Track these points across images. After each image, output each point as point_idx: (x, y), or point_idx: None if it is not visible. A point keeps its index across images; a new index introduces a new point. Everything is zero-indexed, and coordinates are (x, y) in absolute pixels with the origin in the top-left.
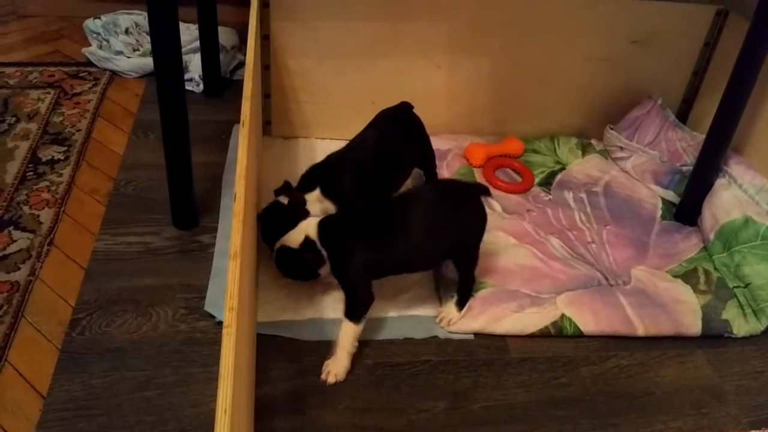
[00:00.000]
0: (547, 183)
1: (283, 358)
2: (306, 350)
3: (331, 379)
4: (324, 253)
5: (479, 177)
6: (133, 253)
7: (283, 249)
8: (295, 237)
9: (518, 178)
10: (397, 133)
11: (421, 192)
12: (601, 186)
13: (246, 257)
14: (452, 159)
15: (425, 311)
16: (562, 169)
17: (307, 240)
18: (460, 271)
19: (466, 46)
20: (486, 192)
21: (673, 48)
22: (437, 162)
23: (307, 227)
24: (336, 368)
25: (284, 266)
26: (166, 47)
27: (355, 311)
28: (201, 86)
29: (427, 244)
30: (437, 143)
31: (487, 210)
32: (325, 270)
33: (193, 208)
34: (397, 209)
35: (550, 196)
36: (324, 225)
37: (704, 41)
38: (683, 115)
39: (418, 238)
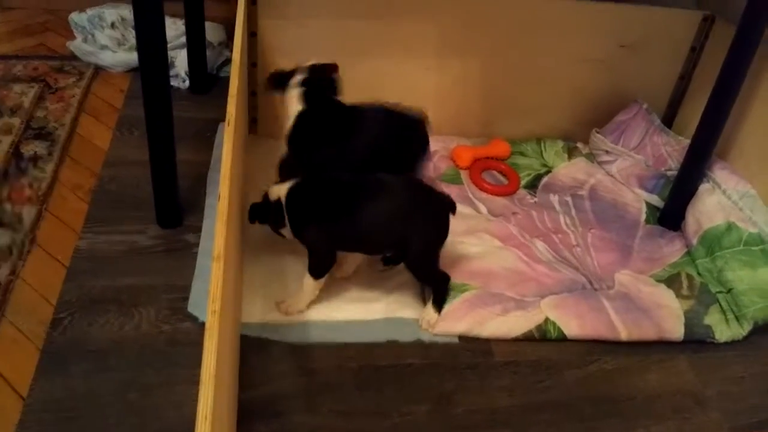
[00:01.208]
0: (533, 186)
1: (267, 360)
2: (290, 353)
3: (284, 311)
4: (286, 217)
5: (465, 179)
6: (116, 252)
7: (265, 199)
8: (275, 192)
9: (504, 181)
10: (395, 147)
11: (391, 180)
12: (587, 189)
13: (230, 259)
14: (439, 160)
15: (410, 314)
16: (548, 172)
17: (278, 202)
18: (411, 273)
19: (455, 47)
20: (452, 208)
21: (659, 52)
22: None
23: (280, 189)
24: (293, 305)
25: (254, 212)
26: (151, 42)
27: (314, 270)
28: (187, 83)
29: (375, 231)
30: None
31: (460, 220)
32: (287, 232)
33: (177, 207)
34: (360, 188)
35: (536, 199)
36: (291, 191)
37: (691, 46)
38: (669, 120)
39: (369, 222)
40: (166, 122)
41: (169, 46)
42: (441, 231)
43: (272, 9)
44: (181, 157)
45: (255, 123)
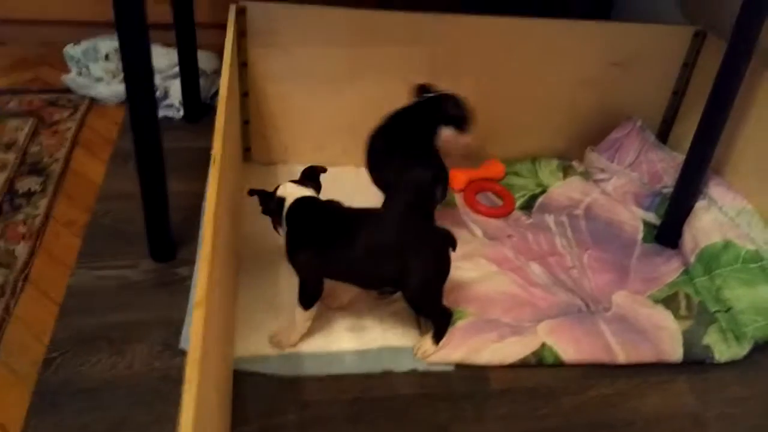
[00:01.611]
0: (528, 206)
1: (260, 394)
2: (283, 386)
3: (276, 344)
4: (283, 230)
5: (460, 201)
6: (108, 288)
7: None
8: (286, 192)
9: (499, 202)
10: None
11: (390, 215)
12: (582, 209)
13: (213, 304)
14: None
15: (405, 342)
16: (543, 191)
17: (282, 202)
18: (411, 308)
19: (446, 70)
20: (452, 243)
21: (652, 69)
22: None
23: (290, 193)
24: (285, 339)
25: (261, 197)
26: (137, 72)
27: (303, 299)
28: (181, 112)
29: (367, 264)
30: None
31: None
32: (281, 233)
33: (170, 240)
34: (359, 219)
35: (531, 220)
36: (295, 204)
37: (683, 62)
38: (663, 136)
39: (361, 255)
40: (156, 153)
41: (162, 75)
42: (441, 267)
43: (262, 39)
44: (174, 188)
45: (248, 151)
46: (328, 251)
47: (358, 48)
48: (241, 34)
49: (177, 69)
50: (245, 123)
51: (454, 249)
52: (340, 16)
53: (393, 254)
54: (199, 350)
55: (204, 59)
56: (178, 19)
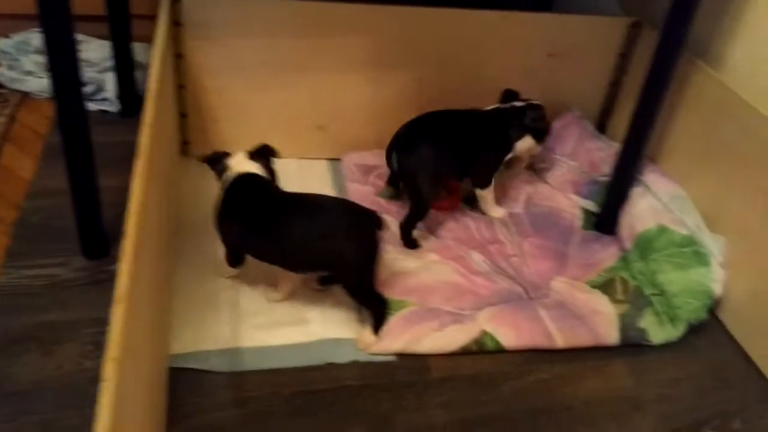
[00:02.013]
0: (473, 199)
1: (197, 391)
2: (222, 382)
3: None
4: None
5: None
6: (38, 287)
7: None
8: (235, 164)
9: (445, 194)
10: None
11: (320, 197)
12: (524, 198)
13: (139, 299)
14: (377, 177)
15: (347, 333)
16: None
17: (227, 175)
18: (348, 295)
19: (391, 61)
20: (378, 224)
21: (589, 60)
22: (363, 178)
23: (241, 164)
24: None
25: (210, 157)
26: (62, 64)
27: (227, 259)
28: (117, 106)
29: (294, 248)
30: (365, 159)
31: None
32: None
33: (103, 236)
34: (290, 201)
35: (475, 211)
36: (238, 179)
37: (619, 53)
38: (602, 126)
39: (288, 238)
40: (85, 148)
41: (97, 68)
42: (368, 249)
43: (198, 30)
44: (108, 184)
45: (187, 145)
46: (256, 231)
47: (300, 39)
48: (175, 25)
49: (112, 62)
50: (182, 116)
51: (380, 229)
52: (281, 7)
53: (319, 237)
54: (119, 348)
55: (141, 51)
56: (111, 10)
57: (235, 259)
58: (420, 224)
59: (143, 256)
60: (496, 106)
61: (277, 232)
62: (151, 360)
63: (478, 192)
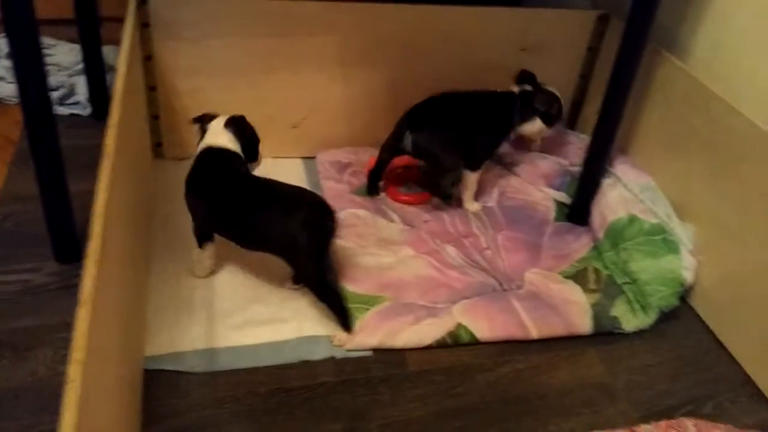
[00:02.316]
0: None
1: (173, 392)
2: (197, 383)
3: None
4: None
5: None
6: (10, 293)
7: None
8: (212, 134)
9: (419, 189)
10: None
11: (280, 185)
12: (497, 191)
13: (109, 300)
14: (352, 174)
15: (323, 331)
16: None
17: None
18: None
19: (362, 59)
20: (333, 218)
21: (559, 53)
22: (338, 175)
23: (217, 136)
24: (194, 272)
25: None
26: (27, 69)
27: (195, 236)
28: (89, 109)
29: (248, 228)
30: (339, 156)
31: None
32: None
33: (75, 240)
34: (252, 183)
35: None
36: (207, 150)
37: (588, 46)
38: (573, 119)
39: (243, 218)
40: (54, 152)
41: (68, 72)
42: (321, 239)
43: (167, 31)
44: (81, 188)
45: (160, 147)
46: (216, 208)
47: (271, 39)
48: (144, 26)
49: (83, 65)
50: (154, 118)
51: (330, 218)
52: (250, 6)
53: (276, 221)
54: (83, 350)
55: (112, 54)
56: (80, 13)
57: (201, 234)
58: (398, 219)
59: (110, 258)
60: (509, 89)
61: (238, 212)
62: (121, 362)
63: (466, 174)
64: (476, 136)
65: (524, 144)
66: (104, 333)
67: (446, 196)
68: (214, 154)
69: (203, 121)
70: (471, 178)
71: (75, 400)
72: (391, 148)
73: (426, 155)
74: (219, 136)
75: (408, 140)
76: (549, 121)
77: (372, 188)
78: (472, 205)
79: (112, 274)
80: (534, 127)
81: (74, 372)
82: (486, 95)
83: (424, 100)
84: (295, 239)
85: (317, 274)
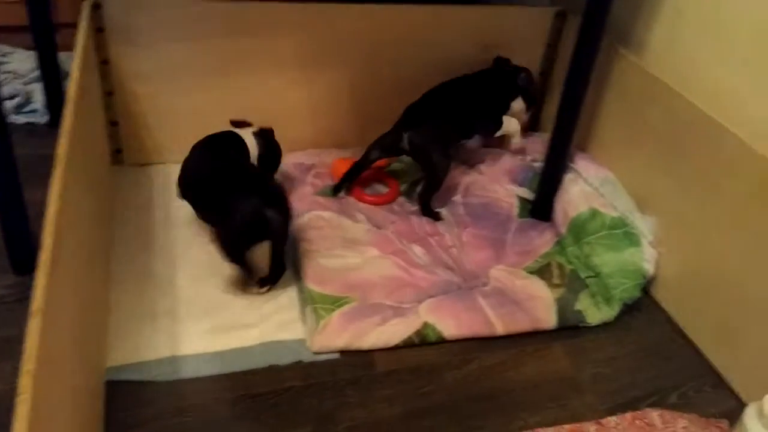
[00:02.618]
0: (412, 192)
1: (136, 403)
2: (161, 392)
3: None
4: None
5: (345, 191)
6: None
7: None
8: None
9: (384, 190)
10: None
11: (257, 175)
12: (462, 190)
13: (62, 311)
14: (317, 176)
15: (289, 335)
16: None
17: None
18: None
19: (322, 60)
20: (277, 206)
21: (519, 51)
22: (302, 176)
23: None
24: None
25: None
26: None
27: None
28: (46, 117)
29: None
30: (301, 158)
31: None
32: None
33: (32, 251)
34: (242, 169)
35: (415, 206)
36: (218, 138)
37: (547, 42)
38: (535, 116)
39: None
40: (7, 161)
41: (24, 80)
42: (287, 216)
43: (122, 35)
44: (38, 197)
45: (120, 153)
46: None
47: (228, 41)
48: (99, 31)
49: (39, 72)
50: (113, 124)
51: (278, 212)
52: (206, 9)
53: (229, 197)
54: (35, 361)
55: (69, 61)
56: (34, 20)
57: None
58: (364, 220)
59: (63, 267)
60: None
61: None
62: (78, 373)
63: (503, 132)
64: (483, 112)
65: (502, 143)
66: (58, 343)
67: (426, 204)
68: (230, 137)
69: (239, 125)
70: (510, 130)
71: (26, 412)
72: (385, 147)
73: (420, 155)
74: (245, 135)
75: (406, 140)
76: (529, 101)
77: (339, 188)
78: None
79: (66, 283)
80: (517, 105)
81: (25, 383)
82: (474, 76)
83: (420, 97)
84: (231, 216)
85: (230, 252)
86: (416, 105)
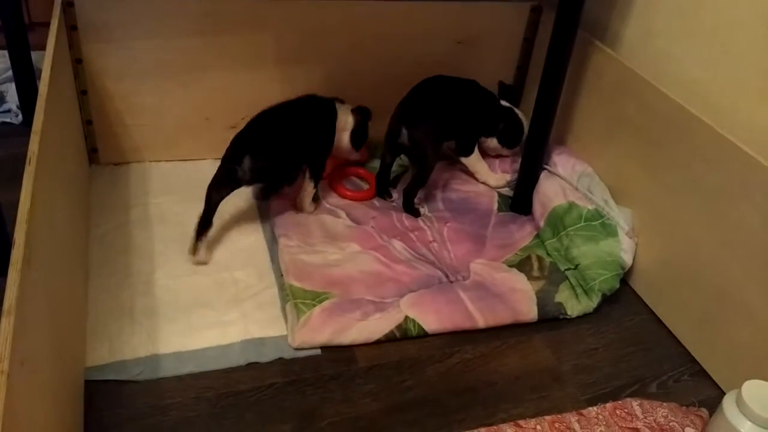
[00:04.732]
0: (392, 186)
1: (115, 403)
2: (141, 391)
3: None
4: None
5: (325, 187)
6: None
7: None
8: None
9: (365, 186)
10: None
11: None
12: (441, 184)
13: (35, 311)
14: None
15: (270, 332)
16: (405, 171)
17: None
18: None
19: (298, 56)
20: (253, 159)
21: (496, 46)
22: None
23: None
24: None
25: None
26: None
27: None
28: (20, 117)
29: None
30: None
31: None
32: None
33: (7, 252)
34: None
35: (395, 201)
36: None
37: (524, 36)
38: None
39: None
40: None
41: None
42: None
43: (95, 34)
44: (13, 198)
45: (95, 152)
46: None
47: (203, 38)
48: (72, 29)
49: (12, 72)
50: (88, 123)
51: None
52: (179, 6)
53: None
54: (7, 361)
55: (39, 59)
56: (5, 19)
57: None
58: (345, 216)
59: (36, 266)
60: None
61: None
62: (55, 373)
63: (468, 164)
64: (468, 123)
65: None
66: (32, 344)
67: (410, 199)
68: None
69: (338, 100)
70: (471, 163)
71: (0, 414)
72: (390, 147)
73: (416, 150)
74: (342, 109)
75: (404, 135)
76: (504, 144)
77: (382, 191)
78: (495, 180)
79: (40, 282)
80: (493, 142)
81: None
82: (480, 93)
83: (412, 91)
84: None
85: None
86: (412, 100)
